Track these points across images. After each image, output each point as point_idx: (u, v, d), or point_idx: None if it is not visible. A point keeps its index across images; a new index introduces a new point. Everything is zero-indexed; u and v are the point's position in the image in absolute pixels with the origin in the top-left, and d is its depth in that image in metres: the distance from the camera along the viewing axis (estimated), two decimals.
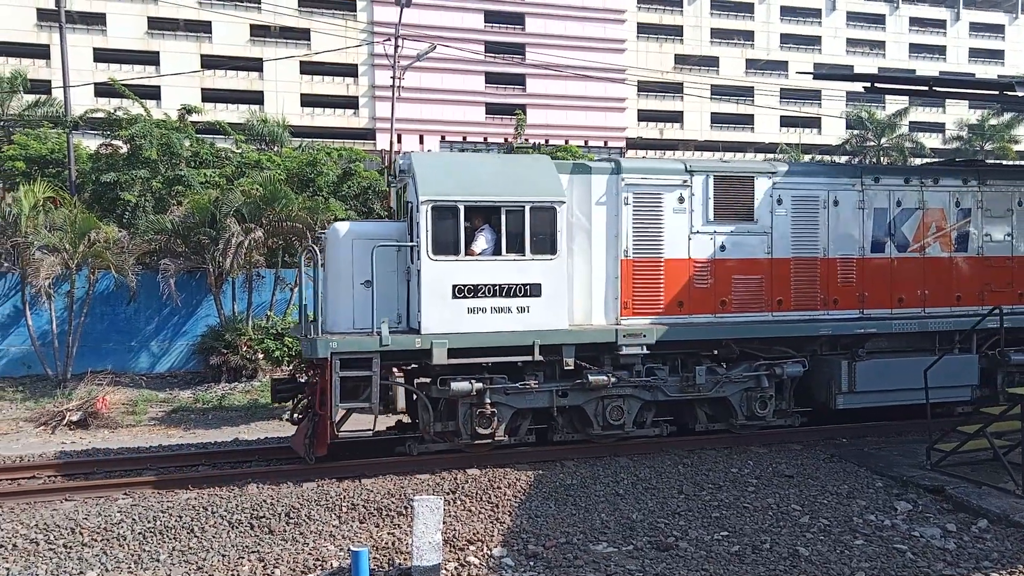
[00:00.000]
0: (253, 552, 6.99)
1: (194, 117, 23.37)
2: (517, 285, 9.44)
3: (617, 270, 10.15)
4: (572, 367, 9.69)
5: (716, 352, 10.66)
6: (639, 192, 10.27)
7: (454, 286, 9.25)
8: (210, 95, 48.84)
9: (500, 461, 9.67)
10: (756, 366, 10.46)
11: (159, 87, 46.02)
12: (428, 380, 9.77)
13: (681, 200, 10.40)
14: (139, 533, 7.41)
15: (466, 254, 9.29)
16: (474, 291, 9.31)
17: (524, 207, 9.42)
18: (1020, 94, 9.08)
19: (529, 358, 9.46)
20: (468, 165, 10.43)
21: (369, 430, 9.63)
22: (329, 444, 9.32)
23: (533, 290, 9.48)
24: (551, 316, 9.52)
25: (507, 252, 9.41)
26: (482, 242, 9.44)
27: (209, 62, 50.09)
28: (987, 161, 13.83)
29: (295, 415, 10.26)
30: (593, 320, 10.09)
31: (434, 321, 9.18)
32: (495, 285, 9.38)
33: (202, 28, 51.10)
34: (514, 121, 49.29)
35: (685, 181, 10.44)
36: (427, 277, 9.17)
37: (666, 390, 10.21)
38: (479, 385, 9.40)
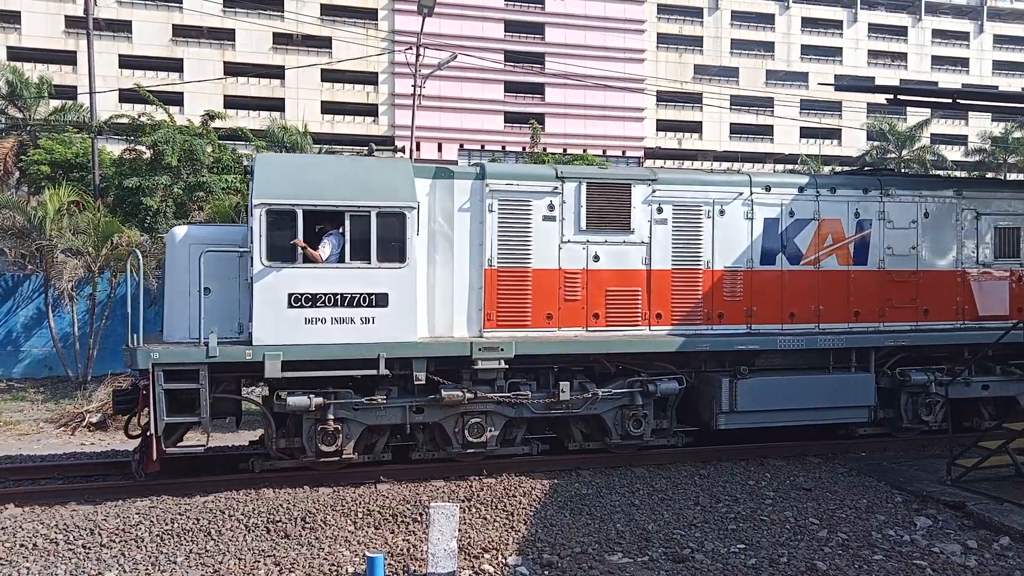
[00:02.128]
0: (269, 556, 7.02)
1: (216, 123, 23.67)
2: (361, 295, 8.92)
3: (481, 280, 9.70)
4: (424, 382, 9.19)
5: (596, 368, 10.15)
6: (505, 199, 9.81)
7: (290, 295, 8.73)
8: (232, 102, 49.41)
9: (516, 470, 9.65)
10: (630, 383, 9.96)
11: (182, 94, 46.58)
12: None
13: (551, 208, 9.92)
14: (156, 535, 7.47)
15: (308, 261, 8.80)
16: (312, 300, 8.78)
17: (370, 212, 8.93)
18: None
19: (379, 372, 8.93)
20: (315, 167, 9.86)
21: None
22: (162, 459, 8.72)
23: (379, 300, 8.96)
24: (399, 328, 9.00)
25: (351, 260, 8.92)
26: (325, 249, 8.94)
27: (232, 69, 50.68)
28: (890, 169, 13.24)
29: (128, 428, 9.63)
30: (455, 332, 9.60)
31: (267, 332, 8.65)
32: (336, 294, 8.86)
33: (225, 36, 51.75)
34: (528, 130, 49.50)
35: (555, 188, 9.97)
36: (260, 285, 8.65)
37: (531, 407, 9.66)
38: (319, 400, 8.86)
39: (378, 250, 8.97)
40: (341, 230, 8.96)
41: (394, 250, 9.03)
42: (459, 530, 7.19)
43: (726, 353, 10.34)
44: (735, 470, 9.96)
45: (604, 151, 52.27)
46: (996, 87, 58.85)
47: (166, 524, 7.71)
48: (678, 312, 10.35)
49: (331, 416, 8.99)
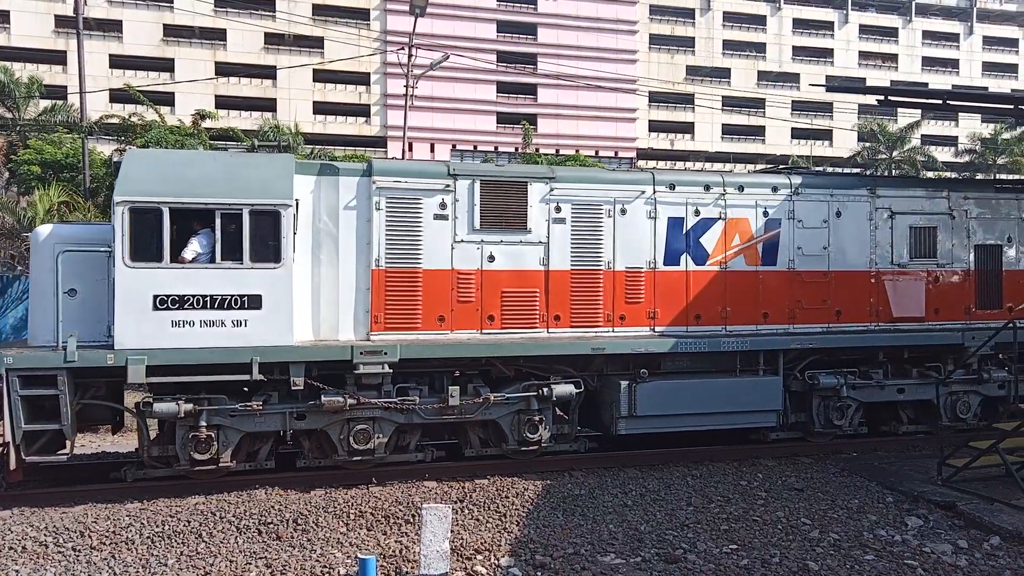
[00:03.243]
0: (260, 558, 7.00)
1: (208, 123, 23.63)
2: (232, 296, 8.51)
3: (368, 281, 9.33)
4: (303, 387, 8.79)
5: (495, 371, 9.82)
6: (394, 196, 9.45)
7: (156, 297, 8.30)
8: (224, 102, 49.33)
9: (508, 471, 9.65)
10: (525, 387, 9.57)
11: (173, 94, 46.45)
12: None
13: (443, 206, 9.58)
14: (147, 537, 7.43)
15: (176, 261, 8.40)
16: (180, 302, 8.38)
17: (242, 210, 8.51)
18: None
19: (252, 377, 8.54)
20: (187, 164, 9.41)
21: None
22: (25, 468, 8.34)
23: (252, 302, 8.55)
24: (273, 331, 8.58)
25: (222, 260, 8.50)
26: (194, 248, 8.54)
27: (223, 69, 50.58)
28: (802, 167, 12.92)
29: None
30: (340, 335, 9.22)
31: (131, 335, 8.23)
32: (205, 296, 8.44)
33: (217, 36, 51.66)
34: (521, 130, 49.55)
35: (448, 186, 9.62)
36: (123, 286, 8.23)
37: (421, 413, 9.28)
38: (188, 406, 8.44)
39: (251, 250, 8.56)
40: (212, 229, 8.56)
41: (268, 250, 8.62)
42: (451, 531, 7.17)
43: (628, 356, 9.95)
44: (727, 471, 9.98)
45: (596, 152, 52.39)
46: (986, 88, 59.25)
47: (157, 526, 7.67)
48: (578, 314, 10.00)
49: (203, 423, 8.60)
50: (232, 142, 26.54)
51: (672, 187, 10.42)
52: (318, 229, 9.29)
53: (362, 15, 53.82)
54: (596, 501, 8.70)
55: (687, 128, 60.56)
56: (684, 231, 10.41)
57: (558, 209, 9.99)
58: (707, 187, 10.54)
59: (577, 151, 46.25)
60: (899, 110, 49.94)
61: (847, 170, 44.38)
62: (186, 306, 8.43)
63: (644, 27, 59.33)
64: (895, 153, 46.79)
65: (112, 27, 50.04)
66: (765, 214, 10.70)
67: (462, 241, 9.67)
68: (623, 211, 10.21)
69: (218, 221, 8.52)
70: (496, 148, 53.00)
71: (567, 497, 8.79)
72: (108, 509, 8.22)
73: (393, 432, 9.33)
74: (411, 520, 7.91)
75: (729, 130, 61.02)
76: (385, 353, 8.97)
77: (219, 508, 8.19)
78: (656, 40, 60.22)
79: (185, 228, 8.66)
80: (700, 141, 60.24)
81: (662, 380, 10.01)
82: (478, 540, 7.45)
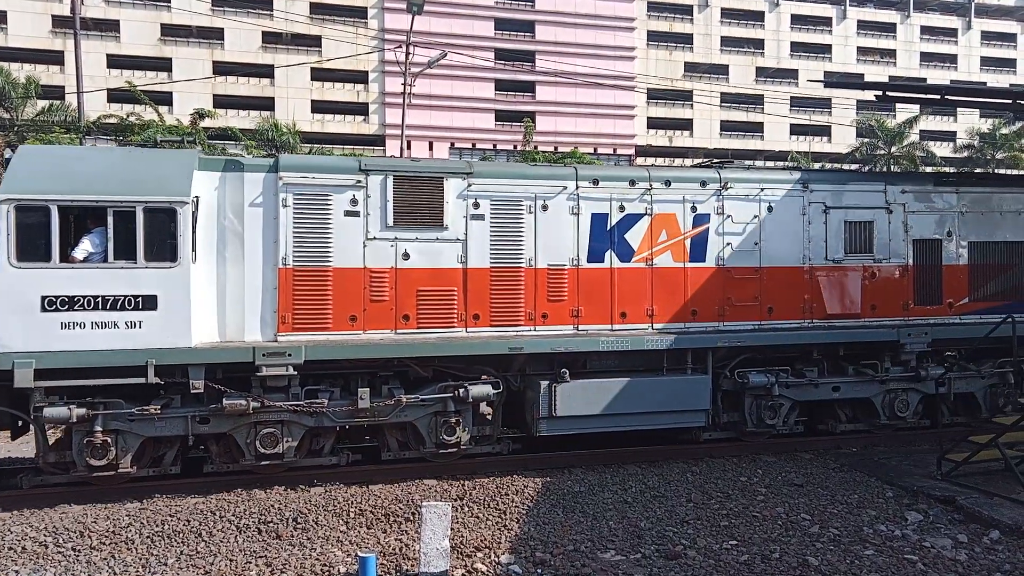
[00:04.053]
0: (260, 557, 7.00)
1: (206, 123, 23.61)
2: (126, 297, 8.26)
3: (275, 280, 9.07)
4: (202, 390, 8.57)
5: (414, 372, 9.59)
6: (301, 193, 9.20)
7: (44, 298, 8.06)
8: (222, 101, 49.29)
9: (507, 468, 9.65)
10: (441, 388, 9.37)
11: (171, 93, 46.41)
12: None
13: (354, 202, 9.33)
14: (147, 537, 7.43)
15: (66, 261, 8.18)
16: (70, 303, 8.13)
17: (135, 208, 8.27)
18: None
19: (156, 380, 8.33)
20: (80, 160, 9.12)
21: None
22: None
23: (147, 303, 8.31)
24: (170, 333, 8.35)
25: (116, 259, 8.27)
26: (85, 248, 8.32)
27: (221, 68, 50.53)
28: (732, 160, 12.85)
29: None
30: (247, 336, 8.97)
31: (18, 338, 8.00)
32: (97, 297, 8.19)
33: (214, 35, 51.59)
34: (523, 128, 49.53)
35: (359, 181, 9.37)
36: (9, 288, 8.01)
37: (332, 415, 9.03)
38: (81, 411, 8.22)
39: (146, 249, 8.32)
40: (105, 228, 8.33)
41: (164, 249, 8.38)
42: (452, 529, 7.18)
43: (551, 355, 9.72)
44: (727, 467, 9.98)
45: (595, 149, 52.39)
46: (984, 83, 59.26)
47: (156, 526, 7.67)
48: (498, 313, 9.76)
49: (99, 428, 8.38)
50: (230, 141, 26.54)
51: (596, 182, 10.21)
52: (223, 227, 9.03)
53: (360, 13, 53.74)
54: (596, 498, 8.70)
55: (686, 125, 60.51)
56: (608, 227, 10.17)
57: (476, 205, 9.77)
58: (632, 182, 10.32)
59: (575, 148, 46.23)
60: (897, 106, 49.92)
61: (844, 166, 44.41)
62: (76, 307, 8.17)
63: (642, 24, 59.26)
64: (894, 149, 46.79)
65: (109, 27, 49.97)
66: (693, 209, 10.46)
67: (375, 238, 9.42)
68: (545, 207, 9.98)
69: (110, 219, 8.27)
70: (495, 146, 52.97)
71: (567, 494, 8.79)
72: (107, 509, 8.23)
73: (306, 435, 9.11)
74: (411, 518, 7.92)
75: (728, 127, 60.98)
76: (289, 355, 8.70)
77: (219, 507, 8.19)
78: (654, 37, 60.15)
79: (81, 227, 8.45)
80: (699, 138, 60.19)
81: (585, 380, 9.74)
82: (478, 537, 7.45)
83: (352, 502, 8.37)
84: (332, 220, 9.31)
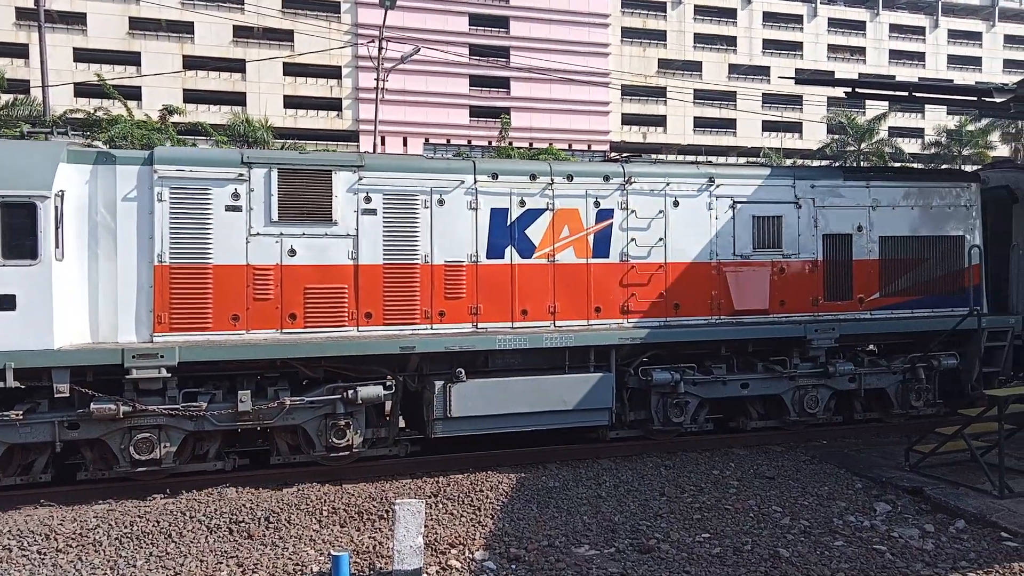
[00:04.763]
0: (232, 557, 6.92)
1: (176, 118, 23.26)
2: None
3: (150, 278, 8.68)
4: (68, 394, 8.18)
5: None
6: (178, 187, 8.80)
7: None
8: (192, 96, 48.65)
9: (482, 464, 9.64)
10: (329, 389, 9.05)
11: (140, 88, 45.69)
12: None
13: (236, 197, 8.94)
14: (115, 539, 7.31)
15: None
16: None
17: None
18: (998, 100, 9.17)
19: (15, 384, 7.92)
20: None
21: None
22: None
23: (4, 303, 7.89)
24: (30, 334, 7.92)
25: None
26: None
27: (191, 63, 49.84)
28: (640, 155, 12.63)
29: None
30: (121, 337, 8.58)
31: None
32: None
33: (184, 29, 50.87)
34: (499, 124, 49.50)
35: (241, 175, 8.99)
36: None
37: (214, 419, 8.65)
38: None
39: (3, 246, 7.92)
40: None
41: (23, 245, 7.94)
42: (425, 526, 7.16)
43: (448, 354, 9.42)
44: (700, 460, 10.06)
45: (570, 145, 52.50)
46: (951, 80, 60.23)
47: (125, 527, 7.55)
48: (391, 311, 9.43)
49: None
50: (201, 137, 26.21)
51: (495, 176, 9.93)
52: (95, 223, 8.62)
53: (332, 8, 53.29)
54: (570, 493, 8.72)
55: (659, 121, 60.84)
56: (509, 222, 9.89)
57: (368, 199, 9.41)
58: (533, 176, 10.07)
59: (551, 144, 46.28)
60: (867, 102, 50.59)
61: (815, 162, 44.93)
62: None
63: (616, 20, 59.45)
64: (863, 145, 47.43)
65: (76, 20, 49.05)
66: (597, 204, 10.24)
67: (258, 234, 9.03)
68: (441, 201, 9.68)
69: None
70: (469, 142, 52.84)
71: (541, 490, 8.80)
72: (74, 511, 8.08)
73: (188, 440, 8.80)
74: (385, 516, 7.87)
75: (701, 123, 61.42)
76: (162, 356, 8.30)
77: (189, 508, 8.08)
78: (628, 33, 60.37)
79: None
80: (672, 134, 60.57)
81: (482, 379, 9.46)
82: (452, 534, 7.43)
83: (325, 500, 8.30)
84: (212, 215, 8.91)
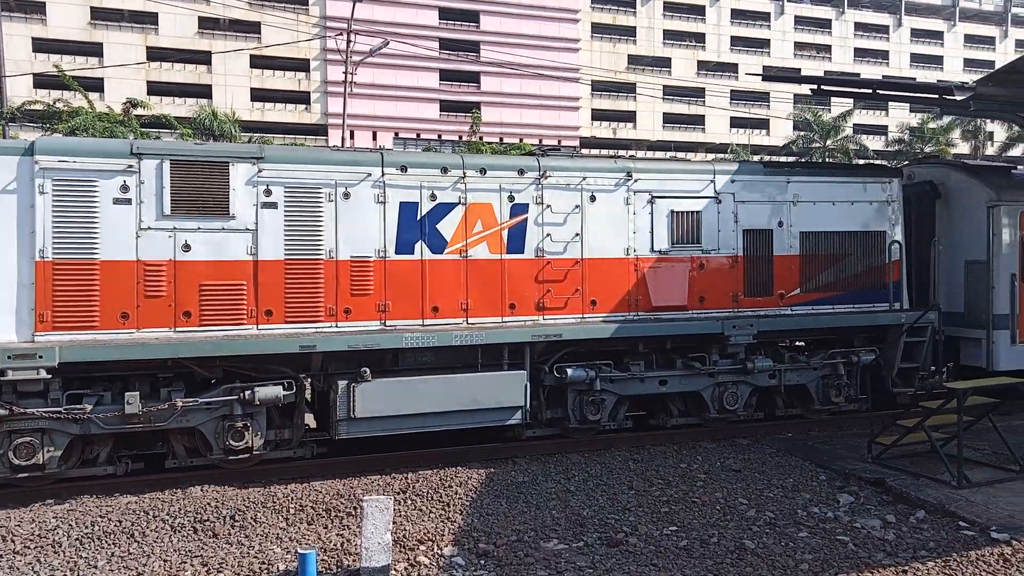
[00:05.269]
0: (196, 556, 6.82)
1: (139, 111, 22.82)
2: None
3: (31, 275, 8.27)
4: None
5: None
6: (61, 179, 8.39)
7: None
8: (156, 88, 47.82)
9: (452, 460, 9.62)
10: (225, 390, 8.72)
11: (102, 79, 44.75)
12: None
13: (125, 189, 8.57)
14: (76, 539, 7.16)
15: None
16: None
17: None
18: (958, 98, 9.30)
19: None
20: None
21: None
22: None
23: None
24: None
25: None
26: None
27: (155, 54, 48.92)
28: (559, 149, 12.62)
29: None
30: (1, 336, 8.21)
31: None
32: None
33: (148, 19, 49.90)
34: (469, 118, 49.36)
35: (130, 166, 8.59)
36: None
37: (101, 422, 8.28)
38: None
39: None
40: None
41: None
42: (394, 522, 7.13)
43: (353, 353, 9.15)
44: (667, 454, 10.13)
45: (540, 140, 52.48)
46: (913, 79, 61.37)
47: (86, 527, 7.40)
48: (294, 308, 9.12)
49: None
50: (165, 129, 25.73)
51: (404, 169, 9.63)
52: None
53: (300, 0, 52.68)
54: (539, 488, 8.74)
55: (629, 117, 61.18)
56: (419, 217, 9.63)
57: (268, 192, 9.07)
58: (445, 169, 9.80)
59: (521, 139, 46.29)
60: (832, 100, 51.40)
61: (781, 158, 45.51)
62: None
63: (586, 16, 59.61)
64: (829, 142, 48.16)
65: (35, 9, 47.87)
66: (511, 199, 9.99)
67: (149, 228, 8.64)
68: (347, 195, 9.37)
69: None
70: (439, 136, 52.67)
71: (510, 485, 8.81)
72: (32, 511, 7.90)
73: (76, 444, 8.42)
74: (353, 513, 7.82)
75: (670, 119, 61.90)
76: (40, 356, 7.90)
77: (152, 507, 7.95)
78: (598, 29, 60.60)
79: None
80: (642, 130, 60.96)
81: (388, 379, 9.19)
82: (421, 530, 7.41)
83: (292, 498, 8.22)
84: (99, 208, 8.51)
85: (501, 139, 48.17)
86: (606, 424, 10.39)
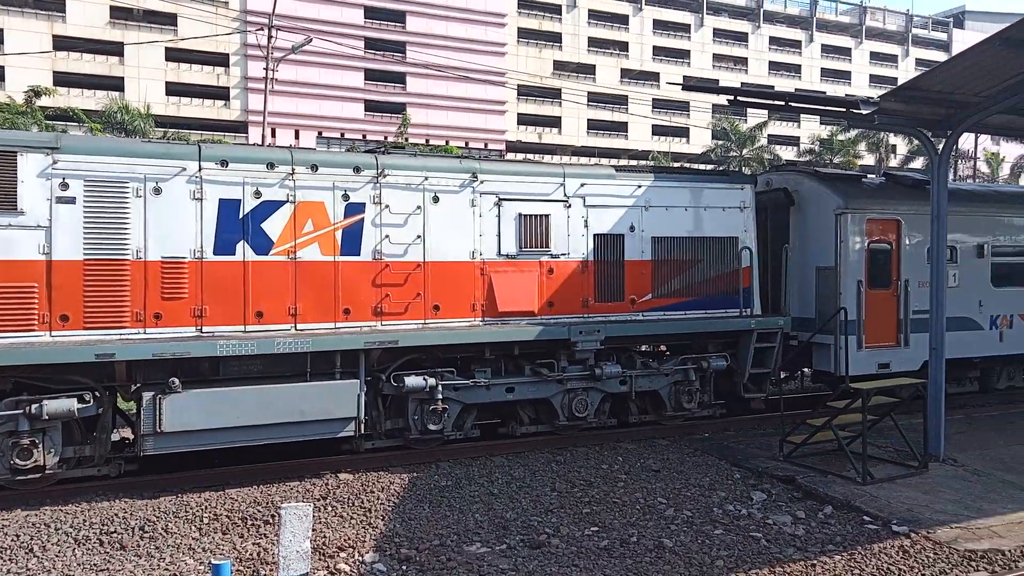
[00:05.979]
0: (102, 570, 6.51)
1: (44, 101, 21.66)
2: None
3: None
4: None
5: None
6: None
7: None
8: (64, 79, 45.48)
9: (374, 465, 9.48)
10: (10, 403, 8.01)
11: (2, 67, 42.27)
12: None
13: None
14: None
15: None
16: None
17: None
18: (864, 112, 9.74)
19: None
20: None
21: None
22: None
23: None
24: None
25: None
26: None
27: (62, 44, 46.54)
28: (404, 146, 12.48)
29: None
30: None
31: None
32: None
33: (55, 6, 47.44)
34: (398, 119, 48.87)
35: None
36: None
37: None
38: None
39: None
40: None
41: None
42: (314, 529, 6.97)
43: (168, 362, 8.44)
44: (590, 455, 10.27)
45: (466, 143, 52.52)
46: (823, 92, 64.15)
47: None
48: (94, 313, 8.43)
49: None
50: (73, 123, 24.51)
51: (224, 164, 9.07)
52: None
53: None
54: (463, 491, 8.71)
55: (554, 122, 61.81)
56: (241, 215, 9.08)
57: (65, 186, 8.37)
58: (271, 165, 9.28)
59: (447, 142, 46.14)
60: (748, 110, 53.26)
61: (700, 166, 46.87)
62: None
63: (513, 20, 59.92)
64: (745, 151, 49.87)
65: None
66: (346, 197, 9.59)
67: None
68: (157, 190, 8.73)
69: None
70: (364, 136, 51.93)
71: (433, 489, 8.75)
72: None
73: None
74: (271, 520, 7.61)
75: (594, 125, 62.83)
76: None
77: (55, 519, 7.55)
78: (524, 34, 61.01)
79: None
80: (567, 135, 61.66)
81: (202, 389, 8.58)
82: (341, 537, 7.28)
83: (206, 507, 7.94)
84: None
85: (427, 140, 47.90)
86: (451, 434, 10.02)
